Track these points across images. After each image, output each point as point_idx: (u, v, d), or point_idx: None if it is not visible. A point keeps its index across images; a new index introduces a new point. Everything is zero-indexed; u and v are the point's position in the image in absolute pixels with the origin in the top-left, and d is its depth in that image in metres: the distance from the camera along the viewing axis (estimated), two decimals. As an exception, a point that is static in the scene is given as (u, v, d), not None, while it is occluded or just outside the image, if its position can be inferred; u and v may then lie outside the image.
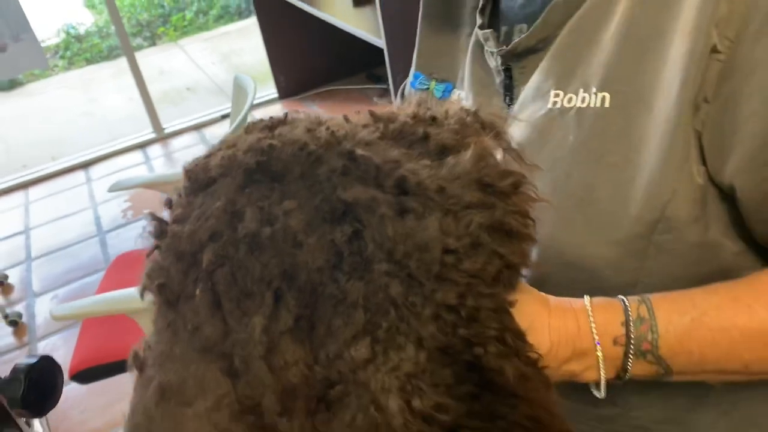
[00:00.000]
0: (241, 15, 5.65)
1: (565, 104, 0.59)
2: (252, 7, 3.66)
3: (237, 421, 0.38)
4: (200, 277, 0.38)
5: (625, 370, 0.50)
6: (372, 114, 0.45)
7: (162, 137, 3.76)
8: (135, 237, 2.96)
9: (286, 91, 3.85)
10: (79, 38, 5.39)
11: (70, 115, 4.42)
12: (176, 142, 3.70)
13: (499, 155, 0.44)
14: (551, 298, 0.51)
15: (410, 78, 0.82)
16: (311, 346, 0.37)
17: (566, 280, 0.58)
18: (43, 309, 2.57)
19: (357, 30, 2.68)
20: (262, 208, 0.38)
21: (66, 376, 1.54)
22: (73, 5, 5.73)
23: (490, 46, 0.67)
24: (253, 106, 2.14)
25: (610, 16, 0.58)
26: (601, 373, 0.50)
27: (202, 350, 0.38)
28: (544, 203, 0.57)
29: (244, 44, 5.03)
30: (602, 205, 0.56)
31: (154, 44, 5.51)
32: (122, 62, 3.75)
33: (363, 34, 2.64)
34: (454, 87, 0.77)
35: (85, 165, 3.63)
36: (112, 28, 4.08)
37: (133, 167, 3.52)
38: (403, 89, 0.84)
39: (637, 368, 0.50)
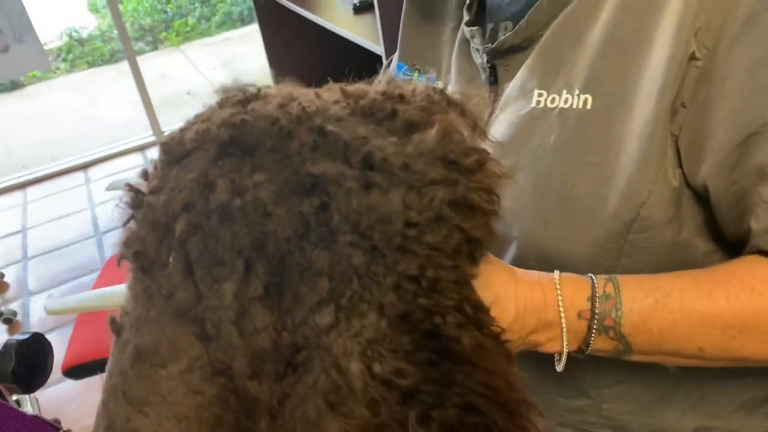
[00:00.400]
0: (243, 21, 5.68)
1: (549, 104, 0.61)
2: (254, 14, 3.69)
3: (209, 382, 0.40)
4: (173, 245, 0.39)
5: (587, 344, 0.52)
6: (342, 90, 0.46)
7: (162, 140, 3.77)
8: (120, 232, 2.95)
9: (285, 97, 3.86)
10: (81, 41, 5.41)
11: (70, 117, 4.43)
12: (175, 146, 3.70)
13: (465, 132, 0.45)
14: (519, 270, 0.52)
15: (393, 68, 0.84)
16: (279, 313, 0.38)
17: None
18: (38, 308, 2.58)
19: (357, 37, 2.70)
20: (234, 180, 0.39)
21: (59, 371, 1.55)
22: (77, 9, 5.76)
23: (476, 43, 0.68)
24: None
25: (595, 19, 0.59)
26: (564, 345, 0.51)
27: (176, 315, 0.40)
28: (524, 200, 0.59)
29: (245, 50, 5.06)
30: (581, 202, 0.58)
31: (156, 49, 5.54)
32: (123, 66, 3.78)
33: (363, 41, 2.66)
34: (437, 79, 0.78)
35: (85, 166, 3.64)
36: (115, 32, 4.11)
37: (132, 169, 3.54)
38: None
39: (599, 343, 0.52)
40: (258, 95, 0.45)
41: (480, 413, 0.39)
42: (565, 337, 0.51)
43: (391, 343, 0.38)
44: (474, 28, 0.69)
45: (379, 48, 2.53)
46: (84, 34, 5.45)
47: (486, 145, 0.47)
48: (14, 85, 4.99)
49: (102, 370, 1.54)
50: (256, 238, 0.38)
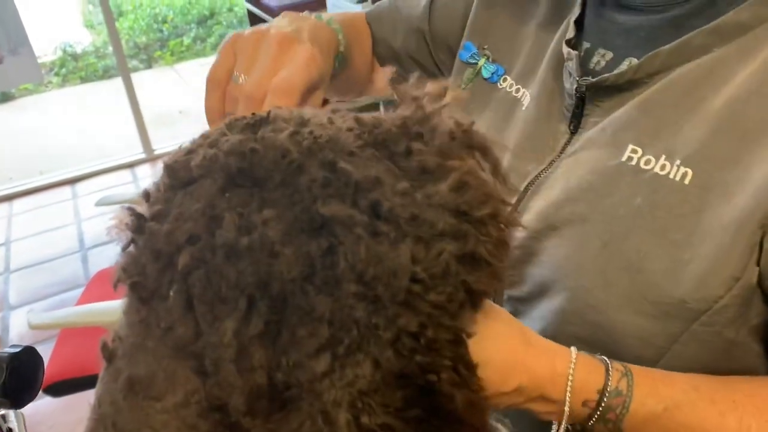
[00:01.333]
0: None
1: (642, 165, 0.56)
2: (250, 36, 3.71)
3: (204, 418, 0.39)
4: (175, 278, 0.38)
5: (582, 427, 0.51)
6: (357, 119, 0.44)
7: (152, 158, 3.76)
8: (117, 255, 2.91)
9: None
10: (75, 57, 5.41)
11: (60, 131, 4.41)
12: (165, 164, 3.70)
13: (483, 178, 0.44)
14: (533, 335, 0.50)
15: (461, 47, 0.78)
16: (274, 351, 0.37)
17: (586, 334, 0.57)
18: (18, 322, 2.54)
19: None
20: (241, 215, 0.38)
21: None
22: (72, 24, 5.77)
23: (571, 68, 0.63)
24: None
25: (718, 91, 0.55)
26: (562, 426, 0.50)
27: (173, 348, 0.39)
28: (590, 255, 0.56)
29: (239, 72, 5.07)
30: (651, 277, 0.54)
31: (150, 67, 5.55)
32: (116, 82, 3.78)
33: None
34: (505, 73, 0.73)
35: (73, 181, 3.62)
36: (109, 48, 4.12)
37: (120, 186, 3.52)
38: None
39: (594, 428, 0.50)
40: (267, 119, 0.44)
41: None
42: (564, 419, 0.49)
43: (383, 397, 0.37)
44: (574, 52, 0.64)
45: (374, 75, 2.55)
46: (78, 50, 5.45)
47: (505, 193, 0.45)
48: (5, 97, 4.97)
49: (83, 388, 1.51)
50: (261, 278, 0.37)
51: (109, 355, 0.42)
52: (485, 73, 0.75)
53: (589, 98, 0.62)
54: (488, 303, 0.45)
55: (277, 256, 0.37)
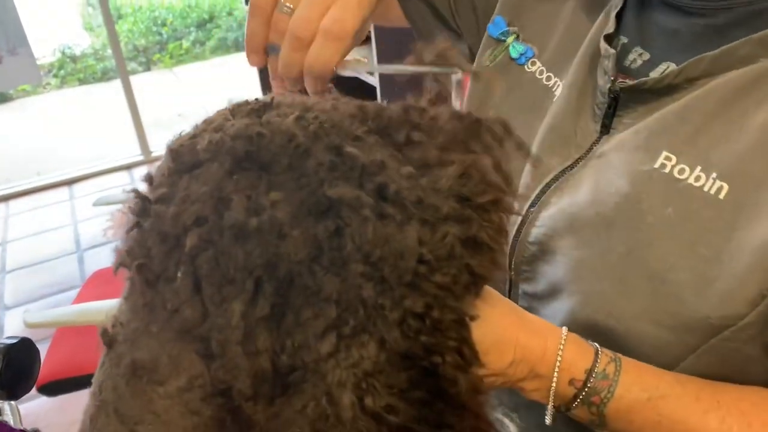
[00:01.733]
0: (237, 48, 5.72)
1: (676, 173, 0.54)
2: (249, 40, 3.72)
3: (207, 402, 0.39)
4: (182, 259, 0.38)
5: (567, 408, 0.51)
6: (360, 106, 0.45)
7: (149, 160, 3.76)
8: (113, 256, 2.91)
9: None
10: (74, 58, 5.42)
11: (58, 132, 4.41)
12: (163, 166, 3.70)
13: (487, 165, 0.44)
14: (526, 314, 0.51)
15: (491, 21, 0.74)
16: (278, 334, 0.37)
17: (598, 339, 0.56)
18: (13, 322, 2.53)
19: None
20: (249, 197, 0.38)
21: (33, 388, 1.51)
22: (72, 26, 5.77)
23: (607, 67, 0.61)
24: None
25: (762, 104, 0.53)
26: (549, 403, 0.50)
27: (179, 331, 0.38)
28: (611, 260, 0.55)
29: (238, 76, 5.08)
30: (674, 289, 0.53)
31: (148, 69, 5.55)
32: (115, 84, 3.78)
33: (357, 71, 2.68)
34: (534, 56, 0.70)
35: (70, 182, 3.61)
36: (108, 50, 4.12)
37: (117, 187, 3.51)
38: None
39: (578, 411, 0.51)
40: (271, 104, 0.44)
41: None
42: (551, 396, 0.50)
43: (388, 378, 0.37)
44: (612, 50, 0.61)
45: (373, 79, 2.56)
46: (77, 51, 5.45)
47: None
48: (3, 98, 4.97)
49: (79, 388, 1.51)
50: (269, 259, 0.37)
51: (109, 340, 0.41)
52: (513, 53, 0.71)
53: (624, 100, 0.60)
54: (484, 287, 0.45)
55: (285, 237, 0.37)
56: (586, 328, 0.57)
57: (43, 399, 1.58)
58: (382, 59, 2.45)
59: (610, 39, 0.63)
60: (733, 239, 0.51)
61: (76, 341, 1.61)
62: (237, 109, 0.44)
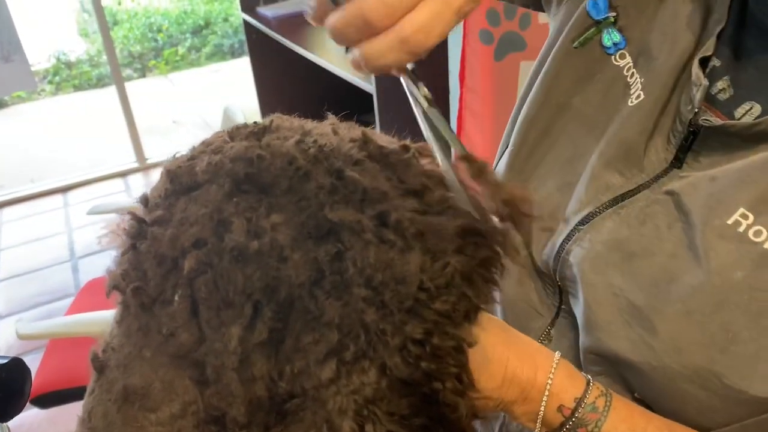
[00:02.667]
0: (233, 54, 5.72)
1: (750, 235, 0.50)
2: (244, 47, 3.71)
3: (200, 430, 0.38)
4: (180, 282, 0.37)
5: None
6: (363, 132, 0.45)
7: (144, 167, 3.75)
8: (108, 265, 2.90)
9: (272, 131, 3.87)
10: (69, 65, 5.40)
11: (53, 139, 4.39)
12: (158, 173, 3.67)
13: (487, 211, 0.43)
14: (519, 336, 0.49)
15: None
16: (276, 361, 0.37)
17: (637, 385, 0.55)
18: (7, 332, 2.50)
19: (347, 74, 2.72)
20: (250, 220, 0.37)
21: (25, 399, 1.49)
22: (67, 33, 5.76)
23: (694, 96, 0.55)
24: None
25: None
26: (537, 428, 0.49)
27: (173, 356, 0.38)
28: (667, 316, 0.51)
29: (234, 82, 5.08)
30: (734, 361, 0.49)
31: (144, 76, 5.54)
32: (110, 91, 3.77)
33: (354, 79, 2.68)
34: (625, 47, 0.63)
35: (64, 189, 3.60)
36: (104, 57, 4.11)
37: (112, 195, 3.50)
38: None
39: None
40: (271, 127, 0.44)
41: None
42: (539, 421, 0.48)
43: (389, 405, 0.37)
44: (705, 81, 0.55)
45: (369, 86, 2.55)
46: (72, 58, 5.44)
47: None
48: (-2, 104, 4.95)
49: (71, 399, 1.49)
50: (269, 282, 0.36)
51: (100, 366, 0.41)
52: (606, 41, 0.64)
53: (704, 136, 0.54)
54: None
55: (285, 260, 0.36)
56: (626, 374, 0.55)
57: (35, 411, 1.56)
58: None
59: (705, 61, 0.57)
60: None
61: (68, 353, 1.59)
62: (236, 132, 0.44)
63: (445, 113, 1.84)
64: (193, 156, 0.43)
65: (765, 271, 0.49)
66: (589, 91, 0.64)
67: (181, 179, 0.41)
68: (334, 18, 0.41)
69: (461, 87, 1.57)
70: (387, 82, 2.56)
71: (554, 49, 0.66)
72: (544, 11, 0.76)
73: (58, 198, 3.53)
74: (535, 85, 0.68)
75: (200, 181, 0.40)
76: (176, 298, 0.37)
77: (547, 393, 0.48)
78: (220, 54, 5.74)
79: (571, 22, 0.66)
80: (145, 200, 0.42)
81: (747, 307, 0.49)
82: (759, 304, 0.48)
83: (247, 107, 4.06)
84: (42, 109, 5.07)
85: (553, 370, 0.48)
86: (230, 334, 0.36)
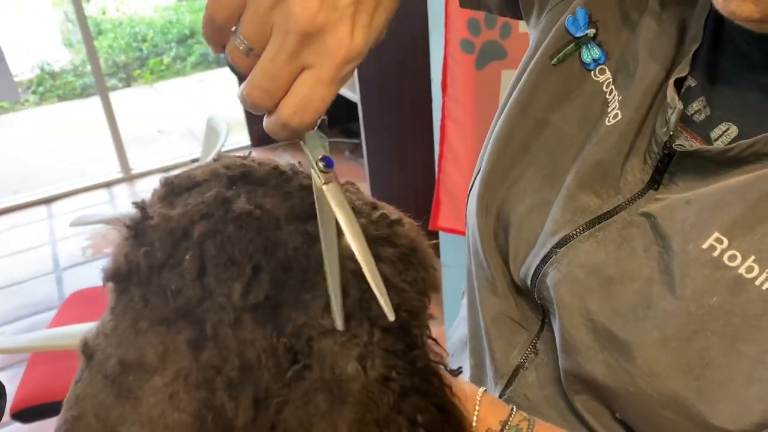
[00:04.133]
0: (219, 63, 5.71)
1: (725, 260, 0.49)
2: (230, 56, 3.70)
3: (191, 396, 0.40)
4: (191, 245, 0.40)
5: None
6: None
7: (129, 177, 3.73)
8: (93, 276, 2.91)
9: (259, 140, 3.87)
10: (53, 75, 5.37)
11: (37, 150, 4.36)
12: (142, 183, 3.67)
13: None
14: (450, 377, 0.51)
15: (569, 11, 0.65)
16: (275, 325, 0.39)
17: (612, 407, 0.56)
18: (-11, 345, 2.47)
19: (333, 84, 2.71)
20: (250, 198, 0.42)
21: (8, 414, 1.47)
22: (51, 43, 5.73)
23: (669, 119, 0.55)
24: (226, 152, 2.14)
25: None
26: None
27: (175, 316, 0.40)
28: (644, 343, 0.51)
29: (219, 92, 5.07)
30: (709, 386, 0.49)
31: (129, 86, 5.52)
32: (94, 101, 3.75)
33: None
34: (605, 62, 0.62)
35: (48, 200, 3.57)
36: (88, 67, 4.09)
37: (97, 205, 3.47)
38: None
39: None
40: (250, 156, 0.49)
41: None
42: None
43: (385, 343, 0.40)
44: (680, 105, 0.54)
45: (354, 96, 2.55)
46: (56, 68, 5.41)
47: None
48: (-20, 115, 4.91)
49: (53, 414, 1.47)
50: (267, 245, 0.40)
51: (90, 352, 0.42)
52: (585, 57, 0.63)
53: (680, 158, 0.54)
54: None
55: (281, 228, 0.41)
56: (605, 396, 0.55)
57: (17, 425, 1.54)
58: (362, 77, 2.44)
59: (680, 82, 0.57)
60: None
61: (50, 366, 1.57)
62: (220, 157, 0.49)
63: (428, 122, 1.85)
64: (190, 170, 0.47)
65: (740, 296, 0.48)
66: (568, 108, 0.63)
67: (181, 183, 0.45)
68: (239, 94, 0.43)
69: (443, 96, 1.57)
70: (371, 91, 2.57)
71: (531, 65, 0.66)
72: (524, 20, 0.76)
73: (41, 209, 3.50)
74: (512, 101, 0.67)
75: (199, 180, 0.44)
76: (187, 257, 0.40)
77: (476, 418, 0.50)
78: (206, 63, 5.73)
79: (550, 37, 0.66)
80: (141, 204, 0.44)
81: (723, 333, 0.48)
82: (735, 329, 0.48)
83: (232, 117, 4.06)
84: (26, 119, 5.03)
85: (479, 399, 0.50)
86: (233, 287, 0.39)
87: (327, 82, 0.40)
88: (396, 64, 2.46)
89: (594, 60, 0.62)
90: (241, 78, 0.42)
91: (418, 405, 0.41)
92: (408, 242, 0.45)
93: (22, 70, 5.23)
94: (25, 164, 4.10)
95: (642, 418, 0.53)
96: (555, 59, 0.64)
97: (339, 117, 3.69)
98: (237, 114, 3.86)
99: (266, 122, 0.42)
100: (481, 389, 0.52)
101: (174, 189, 0.44)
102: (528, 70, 0.66)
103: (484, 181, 0.66)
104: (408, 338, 0.42)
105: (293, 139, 0.43)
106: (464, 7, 0.80)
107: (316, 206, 0.41)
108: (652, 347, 0.51)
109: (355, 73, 2.43)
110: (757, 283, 0.48)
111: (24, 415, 1.48)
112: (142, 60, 5.65)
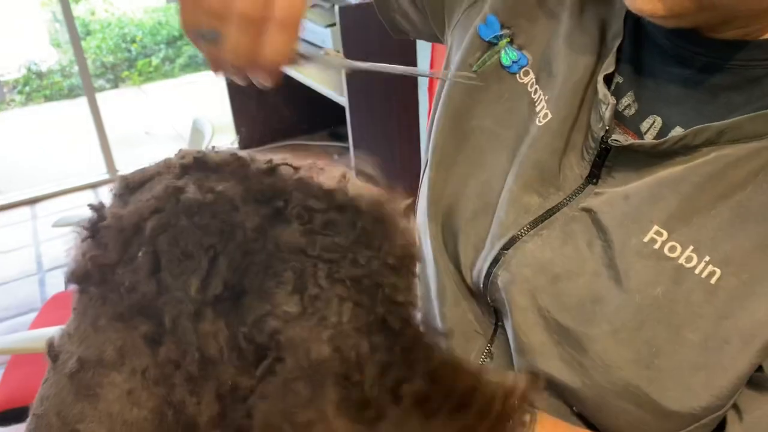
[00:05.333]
0: (208, 66, 5.69)
1: (666, 251, 0.51)
2: (219, 58, 3.69)
3: (150, 392, 0.39)
4: (143, 242, 0.40)
5: None
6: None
7: (115, 179, 3.70)
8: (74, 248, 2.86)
9: (246, 142, 3.85)
10: (40, 75, 5.33)
11: (22, 150, 4.32)
12: (129, 185, 3.64)
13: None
14: None
15: (480, 19, 0.66)
16: (236, 314, 0.38)
17: (570, 402, 0.56)
18: (-30, 347, 2.44)
19: (321, 87, 2.72)
20: (201, 186, 0.41)
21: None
22: (39, 43, 5.69)
23: (603, 114, 0.56)
24: (211, 152, 2.13)
25: (763, 187, 0.50)
26: None
27: (131, 312, 0.39)
28: (595, 335, 0.53)
29: (208, 94, 5.04)
30: (658, 374, 0.51)
31: (117, 87, 5.49)
32: (81, 102, 3.72)
33: (326, 91, 2.68)
34: (528, 64, 0.63)
35: (32, 201, 3.53)
36: (75, 67, 4.07)
37: (82, 207, 3.44)
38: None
39: None
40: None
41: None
42: None
43: (356, 321, 0.39)
44: (612, 98, 0.56)
45: (343, 99, 2.55)
46: (43, 68, 5.37)
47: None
48: (-35, 115, 4.87)
49: (32, 417, 1.45)
50: (223, 228, 0.39)
51: (54, 354, 0.42)
52: (505, 60, 0.64)
53: (616, 152, 0.56)
54: None
55: (237, 209, 0.40)
56: (562, 392, 0.56)
57: (-4, 429, 1.51)
58: (350, 80, 2.44)
59: (609, 78, 0.58)
60: (721, 327, 0.49)
61: (30, 368, 1.55)
62: (180, 152, 0.48)
63: (414, 127, 1.85)
64: (143, 168, 0.46)
65: (683, 285, 0.50)
66: (497, 112, 0.64)
67: (134, 179, 0.44)
68: (227, 40, 0.46)
69: (430, 98, 1.58)
70: (359, 94, 2.57)
71: (453, 74, 0.67)
72: (443, 43, 0.77)
73: (25, 210, 3.47)
74: (441, 113, 0.68)
75: (152, 174, 0.44)
76: (140, 254, 0.39)
77: None
78: (194, 65, 5.71)
79: (464, 48, 0.67)
80: (97, 206, 0.44)
81: (669, 322, 0.50)
82: (680, 317, 0.50)
83: (220, 119, 4.04)
84: (11, 119, 4.99)
85: None
86: (190, 281, 0.38)
87: None
88: (384, 68, 2.45)
89: (514, 62, 0.64)
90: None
91: (401, 377, 0.39)
92: (376, 213, 0.44)
93: (9, 69, 5.19)
94: (10, 165, 4.07)
95: (599, 411, 0.54)
96: (476, 65, 0.66)
97: (327, 120, 3.68)
98: (226, 117, 3.85)
99: (265, 45, 0.46)
100: None
101: (129, 185, 0.44)
102: (450, 81, 0.67)
103: (429, 191, 0.67)
104: (382, 307, 0.40)
105: (294, 51, 0.47)
106: (396, 35, 0.82)
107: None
108: (603, 339, 0.52)
109: (343, 76, 2.43)
110: (697, 271, 0.50)
111: (3, 417, 1.46)
112: (131, 61, 5.62)
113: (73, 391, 0.40)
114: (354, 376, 0.38)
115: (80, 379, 0.40)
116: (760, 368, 0.49)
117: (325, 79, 2.75)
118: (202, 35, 0.48)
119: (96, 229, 0.42)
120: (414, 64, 1.67)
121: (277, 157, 0.45)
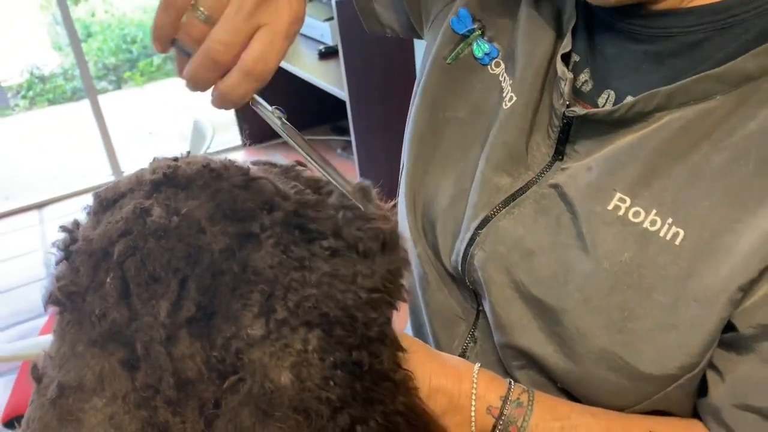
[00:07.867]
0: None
1: (630, 217, 0.53)
2: (219, 56, 3.69)
3: (131, 416, 0.39)
4: (111, 266, 0.40)
5: None
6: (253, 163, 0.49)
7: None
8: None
9: (250, 139, 3.85)
10: (42, 79, 5.35)
11: (27, 154, 4.34)
12: (135, 186, 3.65)
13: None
14: (440, 354, 0.53)
15: (452, 13, 0.69)
16: (209, 335, 0.39)
17: (554, 377, 0.57)
18: (-17, 353, 2.47)
19: (321, 82, 2.72)
20: (168, 206, 0.41)
21: (-1, 423, 1.47)
22: (41, 47, 5.70)
23: (563, 89, 0.58)
24: (216, 153, 2.13)
25: (718, 146, 0.51)
26: (472, 429, 0.52)
27: (105, 339, 0.39)
28: (569, 306, 0.54)
29: (210, 93, 5.04)
30: (632, 338, 0.52)
31: (119, 88, 5.50)
32: (85, 104, 3.73)
33: (327, 86, 2.68)
34: (499, 55, 0.67)
35: (40, 206, 3.55)
36: (78, 70, 4.08)
37: (88, 210, 3.46)
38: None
39: None
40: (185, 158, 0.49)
41: None
42: (473, 425, 0.51)
43: (322, 353, 0.39)
44: (570, 74, 0.58)
45: (342, 93, 2.55)
46: (46, 72, 5.38)
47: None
48: (-30, 122, 4.89)
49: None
50: (190, 252, 0.39)
51: (38, 376, 0.43)
52: (477, 52, 0.67)
53: (577, 126, 0.58)
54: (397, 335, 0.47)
55: (204, 231, 0.40)
56: (543, 365, 0.57)
57: (10, 434, 1.53)
58: (350, 75, 2.44)
59: (566, 57, 0.61)
60: (688, 287, 0.50)
61: (42, 373, 1.57)
62: (155, 161, 0.49)
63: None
64: (119, 179, 0.47)
65: (648, 248, 0.52)
66: (471, 102, 0.67)
67: (107, 196, 0.45)
68: (189, 66, 0.46)
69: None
70: (360, 89, 2.57)
71: (429, 68, 0.70)
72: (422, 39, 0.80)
73: (33, 215, 3.49)
74: (418, 104, 0.71)
75: (123, 191, 0.44)
76: (108, 280, 0.40)
77: (474, 396, 0.51)
78: (196, 64, 5.71)
79: (439, 41, 0.70)
80: (69, 227, 0.45)
81: (638, 285, 0.52)
82: (648, 280, 0.52)
83: (223, 117, 4.05)
84: (16, 124, 5.01)
85: (475, 377, 0.52)
86: (159, 306, 0.39)
87: (282, 35, 0.46)
88: (383, 61, 2.45)
89: (486, 54, 0.67)
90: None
91: (358, 416, 0.39)
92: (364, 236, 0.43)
93: (11, 74, 5.21)
94: (17, 169, 4.09)
95: (580, 382, 0.55)
96: (449, 58, 0.69)
97: (329, 115, 3.68)
98: (226, 115, 3.85)
99: (225, 81, 0.46)
100: (477, 365, 0.53)
101: (102, 203, 0.44)
102: (426, 73, 0.70)
103: (407, 184, 0.69)
104: (352, 340, 0.40)
105: (249, 98, 0.47)
106: (370, 30, 0.84)
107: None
108: (576, 309, 0.54)
109: (343, 70, 2.43)
110: (661, 234, 0.51)
111: (15, 423, 1.48)
112: (132, 62, 5.63)
113: (56, 416, 0.40)
114: (309, 411, 0.37)
115: (62, 405, 0.40)
116: (732, 327, 0.50)
117: (326, 75, 2.75)
118: (179, 47, 0.47)
119: (68, 252, 0.42)
120: (411, 56, 1.66)
121: (255, 168, 0.45)
